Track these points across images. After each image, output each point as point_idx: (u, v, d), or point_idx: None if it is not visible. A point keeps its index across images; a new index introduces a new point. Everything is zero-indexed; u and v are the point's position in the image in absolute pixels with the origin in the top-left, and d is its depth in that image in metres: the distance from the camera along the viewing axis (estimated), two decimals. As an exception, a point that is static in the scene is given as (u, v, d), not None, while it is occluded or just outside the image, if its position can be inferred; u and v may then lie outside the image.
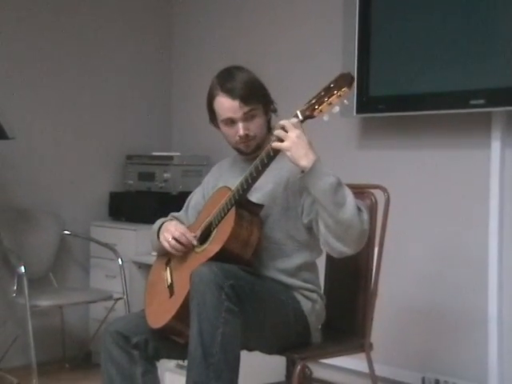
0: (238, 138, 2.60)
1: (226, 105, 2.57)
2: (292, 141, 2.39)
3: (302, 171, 2.40)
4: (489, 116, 3.27)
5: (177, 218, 2.84)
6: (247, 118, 2.57)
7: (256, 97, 2.58)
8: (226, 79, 2.59)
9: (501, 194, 3.28)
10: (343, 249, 2.45)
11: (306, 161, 2.39)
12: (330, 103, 2.39)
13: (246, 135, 2.59)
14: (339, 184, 2.39)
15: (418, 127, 3.54)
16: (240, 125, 2.58)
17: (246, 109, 2.56)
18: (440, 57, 3.34)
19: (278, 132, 2.42)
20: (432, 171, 3.53)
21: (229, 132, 2.62)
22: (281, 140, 2.40)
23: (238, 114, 2.56)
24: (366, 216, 2.43)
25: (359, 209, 2.42)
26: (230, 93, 2.56)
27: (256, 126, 2.60)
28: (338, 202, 2.38)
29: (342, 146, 3.83)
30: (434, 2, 3.36)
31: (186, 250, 2.62)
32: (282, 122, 2.42)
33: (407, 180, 3.56)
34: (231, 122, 2.59)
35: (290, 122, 2.40)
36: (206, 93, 2.65)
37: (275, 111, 2.69)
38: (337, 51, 3.68)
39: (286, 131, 2.39)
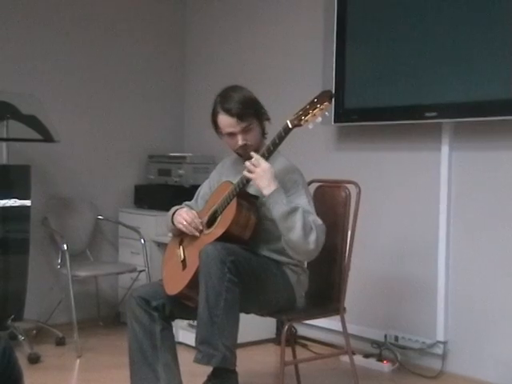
0: (237, 146, 2.59)
1: (226, 122, 2.56)
2: (258, 174, 2.42)
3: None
4: (439, 126, 3.26)
5: (189, 206, 2.82)
6: (244, 131, 2.55)
7: (250, 113, 2.55)
8: (225, 100, 2.56)
9: (449, 187, 3.27)
10: (296, 256, 2.51)
11: (267, 190, 2.42)
12: (314, 115, 2.39)
13: (245, 144, 2.57)
14: (290, 212, 2.39)
15: (384, 134, 3.53)
16: (239, 137, 2.56)
17: (243, 124, 2.54)
18: (402, 77, 3.33)
19: (248, 165, 2.44)
20: (395, 169, 3.51)
21: (231, 142, 2.61)
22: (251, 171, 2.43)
23: (237, 129, 2.55)
24: (313, 236, 2.41)
25: (311, 228, 2.41)
26: (229, 112, 2.53)
27: (252, 136, 2.58)
28: (288, 227, 2.40)
29: (322, 149, 3.81)
30: (398, 36, 3.33)
31: (196, 232, 2.60)
32: (253, 160, 2.43)
33: (375, 176, 3.54)
34: (232, 134, 2.57)
35: (259, 159, 2.42)
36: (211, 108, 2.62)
37: (268, 119, 2.66)
38: (318, 71, 3.66)
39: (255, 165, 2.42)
